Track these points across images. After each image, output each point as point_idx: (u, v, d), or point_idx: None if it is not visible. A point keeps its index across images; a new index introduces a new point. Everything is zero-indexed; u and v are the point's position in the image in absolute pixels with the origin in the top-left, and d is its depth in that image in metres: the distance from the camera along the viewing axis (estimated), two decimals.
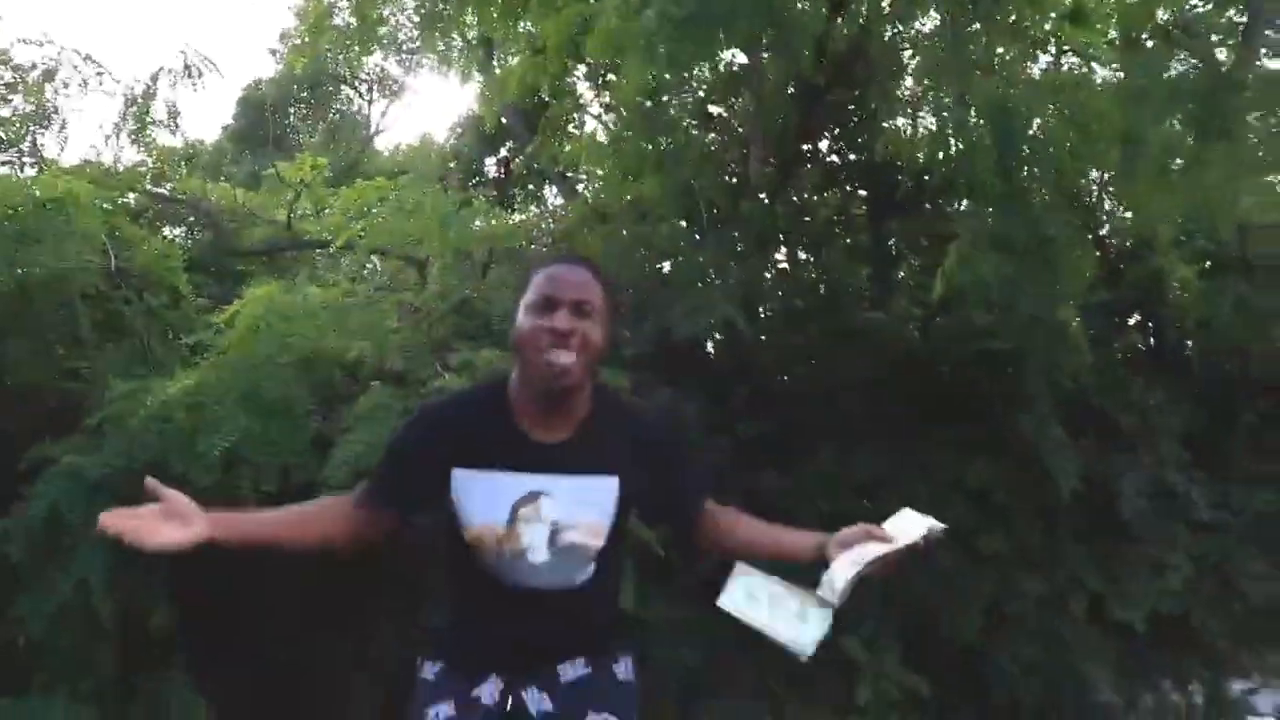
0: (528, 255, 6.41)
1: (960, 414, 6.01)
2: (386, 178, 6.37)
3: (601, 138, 8.11)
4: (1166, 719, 5.98)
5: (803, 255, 7.50)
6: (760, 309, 6.70)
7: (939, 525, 2.04)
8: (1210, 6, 6.65)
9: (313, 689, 4.70)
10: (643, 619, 4.46)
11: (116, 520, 1.74)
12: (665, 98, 6.85)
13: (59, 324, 4.98)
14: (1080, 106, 5.59)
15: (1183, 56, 6.27)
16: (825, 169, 7.61)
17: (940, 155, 5.92)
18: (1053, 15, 6.04)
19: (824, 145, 7.63)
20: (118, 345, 5.12)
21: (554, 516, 1.98)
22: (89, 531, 4.36)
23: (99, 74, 6.04)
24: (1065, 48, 6.55)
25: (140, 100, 6.03)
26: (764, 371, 6.47)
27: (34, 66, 6.06)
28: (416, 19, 9.36)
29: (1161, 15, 6.39)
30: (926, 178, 6.66)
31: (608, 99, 8.18)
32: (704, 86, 7.78)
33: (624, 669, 2.15)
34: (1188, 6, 6.62)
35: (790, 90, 7.20)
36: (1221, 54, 6.48)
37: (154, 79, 6.08)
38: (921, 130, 7.18)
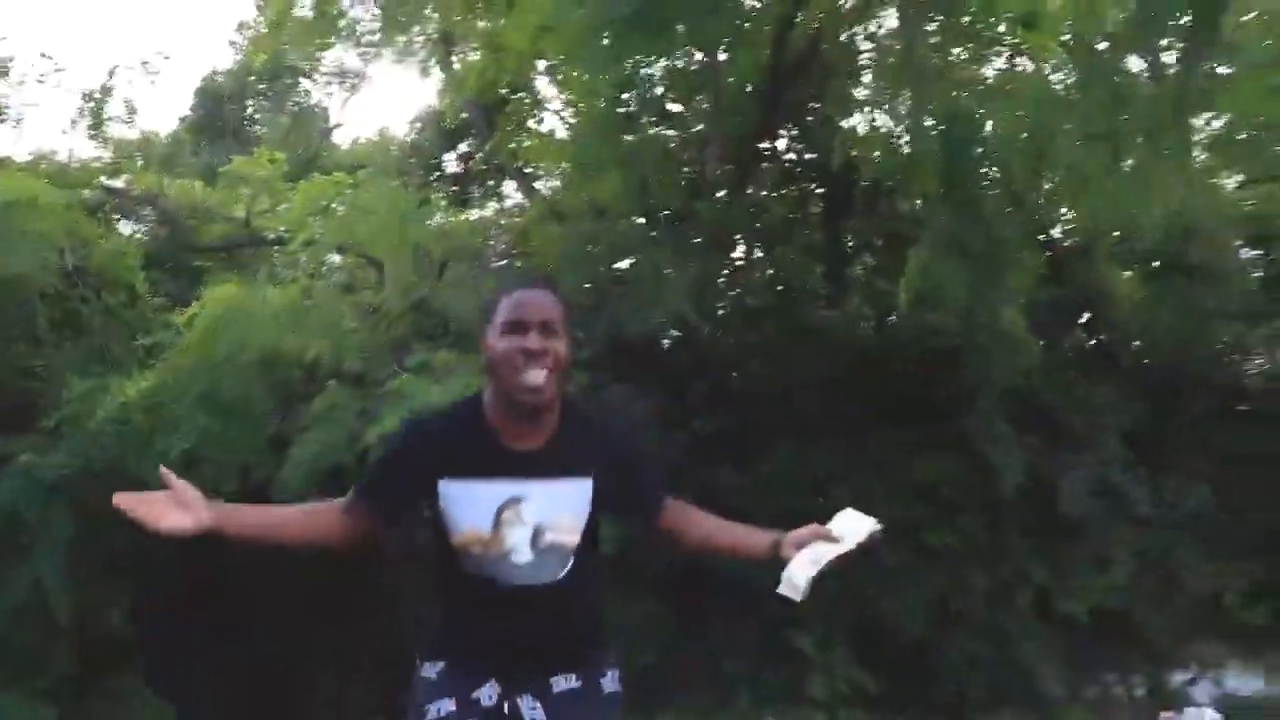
0: (485, 254, 6.44)
1: (913, 412, 6.12)
2: (346, 172, 6.37)
3: (562, 134, 8.15)
4: (1109, 710, 6.16)
5: (759, 253, 7.59)
6: (716, 306, 6.78)
7: (879, 525, 2.16)
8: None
9: (279, 691, 4.73)
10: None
11: (130, 501, 1.86)
12: (624, 95, 6.90)
13: (16, 323, 4.96)
14: (1032, 107, 5.68)
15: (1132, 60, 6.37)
16: (783, 168, 7.68)
17: (890, 162, 6.01)
18: (1008, 16, 6.15)
19: (781, 144, 7.68)
20: (75, 344, 5.12)
21: (535, 519, 2.11)
22: (46, 532, 4.39)
23: (56, 70, 6.01)
24: (1021, 49, 6.65)
25: (99, 95, 6.00)
26: (721, 368, 6.56)
27: None
28: (377, 11, 9.32)
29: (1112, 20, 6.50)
30: (884, 181, 6.76)
31: (568, 96, 8.20)
32: (662, 85, 7.81)
33: (610, 681, 2.29)
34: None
35: (748, 89, 7.27)
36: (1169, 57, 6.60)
37: (111, 74, 6.06)
38: (880, 129, 7.25)
